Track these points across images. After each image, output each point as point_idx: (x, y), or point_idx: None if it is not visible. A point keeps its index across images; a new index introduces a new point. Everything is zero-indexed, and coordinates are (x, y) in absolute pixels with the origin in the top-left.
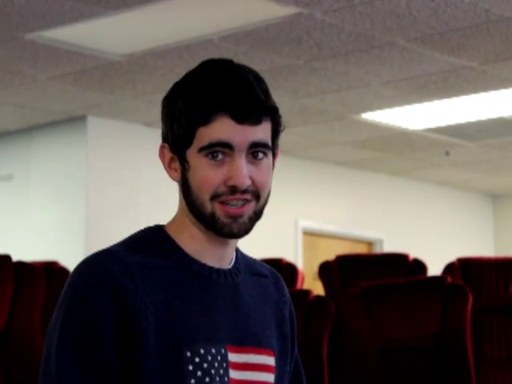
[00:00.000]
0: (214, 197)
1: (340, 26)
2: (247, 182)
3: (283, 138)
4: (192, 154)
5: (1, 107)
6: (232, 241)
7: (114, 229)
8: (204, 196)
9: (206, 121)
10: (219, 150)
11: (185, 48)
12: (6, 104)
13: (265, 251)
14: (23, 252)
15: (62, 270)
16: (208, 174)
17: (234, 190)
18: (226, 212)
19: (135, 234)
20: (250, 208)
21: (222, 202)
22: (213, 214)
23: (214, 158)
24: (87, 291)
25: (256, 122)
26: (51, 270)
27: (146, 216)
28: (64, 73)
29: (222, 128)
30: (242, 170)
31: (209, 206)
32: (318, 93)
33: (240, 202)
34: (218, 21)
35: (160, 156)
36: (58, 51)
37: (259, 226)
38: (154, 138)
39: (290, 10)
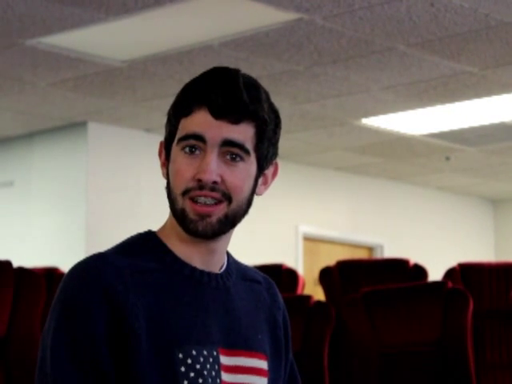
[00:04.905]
0: (185, 192)
1: (340, 32)
2: (214, 178)
3: (284, 144)
4: (174, 147)
5: (1, 113)
6: (217, 243)
7: (115, 235)
8: (177, 190)
9: (187, 112)
10: (193, 143)
11: (185, 54)
12: (6, 110)
13: (265, 256)
14: (24, 258)
15: (63, 276)
16: (181, 168)
17: (201, 184)
18: (194, 209)
19: (127, 239)
20: (220, 209)
21: (192, 199)
22: (183, 210)
23: (190, 152)
24: (79, 293)
25: (234, 120)
26: (52, 276)
27: (146, 222)
28: (64, 79)
29: (199, 120)
30: (210, 165)
31: (180, 201)
32: (319, 98)
33: (209, 200)
34: (218, 26)
35: (158, 154)
36: (59, 57)
37: (260, 231)
38: (154, 143)
39: (291, 16)
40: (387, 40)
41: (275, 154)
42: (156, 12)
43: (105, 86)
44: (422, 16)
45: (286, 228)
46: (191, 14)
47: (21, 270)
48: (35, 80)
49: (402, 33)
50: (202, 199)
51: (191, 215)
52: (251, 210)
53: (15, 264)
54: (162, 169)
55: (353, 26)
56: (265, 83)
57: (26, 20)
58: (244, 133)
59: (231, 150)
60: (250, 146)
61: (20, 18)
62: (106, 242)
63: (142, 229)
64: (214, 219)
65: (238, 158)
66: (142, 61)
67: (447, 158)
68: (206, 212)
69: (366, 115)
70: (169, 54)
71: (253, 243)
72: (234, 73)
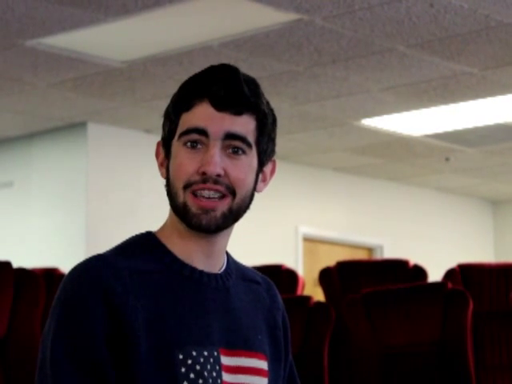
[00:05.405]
0: (187, 186)
1: (340, 32)
2: (218, 171)
3: (283, 144)
4: (175, 144)
5: (1, 114)
6: (218, 238)
7: (114, 235)
8: (178, 184)
9: (188, 106)
10: (196, 137)
11: (185, 54)
12: (6, 111)
13: (265, 257)
14: (24, 258)
15: (62, 277)
16: (183, 162)
17: (205, 178)
18: (197, 203)
19: (126, 240)
20: (224, 204)
21: (194, 193)
22: (184, 204)
23: (192, 147)
24: (79, 294)
25: (236, 112)
26: (51, 276)
27: (146, 222)
28: (64, 79)
29: (201, 114)
30: (214, 157)
31: (181, 195)
32: (318, 99)
33: (213, 194)
34: (218, 27)
35: (156, 155)
36: (59, 58)
37: (259, 232)
38: (154, 144)
39: (290, 17)
40: (387, 41)
41: (273, 151)
42: (156, 12)
43: (104, 86)
44: (422, 17)
45: (286, 229)
46: (191, 14)
47: (21, 270)
48: (35, 80)
49: (401, 33)
50: (205, 193)
51: (194, 209)
52: (251, 211)
53: (15, 264)
54: (161, 169)
55: (352, 26)
56: (265, 84)
57: (25, 21)
58: (246, 125)
59: (233, 143)
60: (251, 139)
61: (20, 19)
62: (105, 243)
63: (142, 229)
64: (218, 213)
65: (240, 152)
66: (142, 61)
67: (447, 159)
68: (211, 207)
69: (366, 116)
70: (168, 55)
71: (253, 244)
72: (234, 68)
